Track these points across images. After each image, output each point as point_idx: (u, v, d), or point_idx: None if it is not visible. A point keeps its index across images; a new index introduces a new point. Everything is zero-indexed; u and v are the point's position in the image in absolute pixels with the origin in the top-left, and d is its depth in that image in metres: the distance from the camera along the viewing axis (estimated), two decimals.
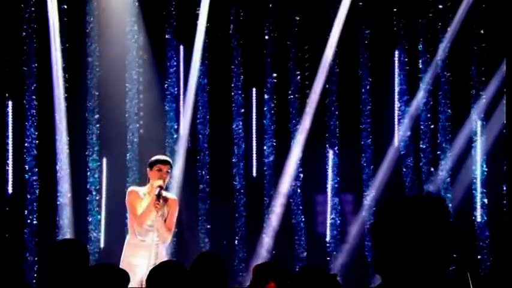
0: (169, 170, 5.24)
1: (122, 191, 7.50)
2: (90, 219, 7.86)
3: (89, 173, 7.90)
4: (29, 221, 7.73)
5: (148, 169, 5.32)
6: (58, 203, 7.77)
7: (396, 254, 1.71)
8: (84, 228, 7.81)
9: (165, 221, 5.22)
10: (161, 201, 5.09)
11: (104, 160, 8.01)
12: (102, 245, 7.87)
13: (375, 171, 8.21)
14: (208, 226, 8.03)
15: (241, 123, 8.16)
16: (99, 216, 7.88)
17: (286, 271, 3.86)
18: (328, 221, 8.22)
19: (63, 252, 2.90)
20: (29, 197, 7.76)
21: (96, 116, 7.94)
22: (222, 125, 8.14)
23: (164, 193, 5.32)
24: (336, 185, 8.23)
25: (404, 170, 8.17)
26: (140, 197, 5.25)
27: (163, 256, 5.23)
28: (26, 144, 7.79)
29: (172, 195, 5.48)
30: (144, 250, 5.14)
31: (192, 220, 7.97)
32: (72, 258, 2.88)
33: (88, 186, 7.89)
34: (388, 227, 1.76)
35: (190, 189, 7.96)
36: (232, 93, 8.15)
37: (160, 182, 5.17)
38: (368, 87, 8.25)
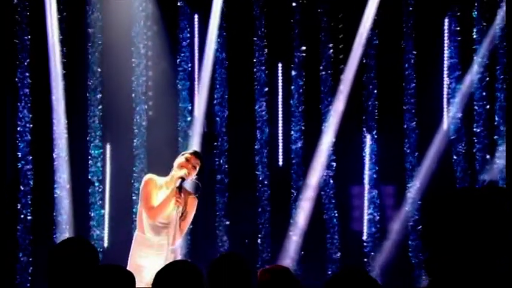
0: (198, 166, 5.09)
1: (128, 182, 7.82)
2: (92, 215, 7.86)
3: (90, 162, 7.88)
4: (22, 216, 7.73)
5: (179, 158, 5.19)
6: (55, 195, 7.76)
7: (455, 255, 1.68)
8: (85, 225, 7.82)
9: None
10: (182, 195, 4.97)
11: (108, 146, 7.99)
12: (106, 244, 7.88)
13: (420, 159, 8.11)
14: (227, 222, 8.04)
15: (264, 104, 8.12)
16: (102, 211, 7.88)
17: (299, 282, 3.66)
18: (366, 217, 8.15)
19: (70, 253, 2.90)
20: (22, 188, 7.75)
21: (99, 96, 7.91)
22: (243, 106, 8.13)
23: (185, 190, 5.19)
24: (375, 175, 8.16)
25: (455, 157, 8.05)
26: (157, 188, 5.11)
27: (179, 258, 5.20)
28: (18, 129, 7.77)
29: (193, 194, 5.26)
30: (156, 250, 5.03)
31: (209, 215, 7.99)
32: (83, 261, 2.88)
33: (90, 177, 7.88)
34: (445, 224, 1.70)
35: (206, 180, 7.81)
36: (255, 70, 8.13)
37: (183, 173, 5.02)
38: (412, 62, 8.14)
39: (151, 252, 5.05)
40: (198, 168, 5.10)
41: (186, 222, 5.12)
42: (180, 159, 5.11)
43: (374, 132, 8.13)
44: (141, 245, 5.09)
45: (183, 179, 4.99)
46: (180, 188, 4.97)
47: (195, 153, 5.16)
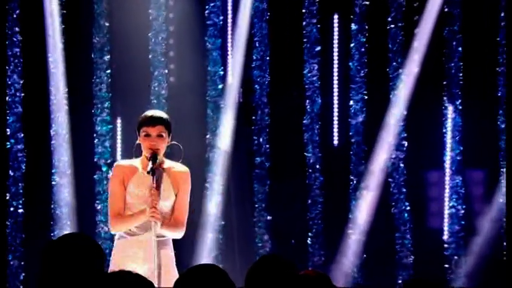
0: (164, 134, 4.94)
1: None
2: (99, 207, 7.76)
3: (96, 141, 7.82)
4: (12, 209, 7.67)
5: (138, 135, 5.04)
6: (53, 183, 7.73)
7: None
8: (91, 220, 7.77)
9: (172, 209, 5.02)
10: (155, 183, 4.83)
11: (118, 121, 7.94)
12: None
13: None
14: (269, 217, 7.94)
15: (316, 66, 7.98)
16: None
17: None
18: (446, 211, 7.98)
19: (68, 254, 2.91)
20: (12, 174, 7.68)
21: (107, 58, 7.83)
22: (289, 70, 8.03)
23: (168, 163, 5.02)
24: (458, 158, 7.98)
25: None
26: (130, 175, 4.99)
27: (169, 260, 4.98)
28: (7, 99, 7.69)
29: (181, 166, 5.11)
30: (139, 249, 4.96)
31: (246, 209, 7.96)
32: (81, 261, 2.91)
33: (96, 160, 7.82)
34: None
35: (242, 164, 7.89)
36: (304, 23, 7.98)
37: (148, 154, 4.88)
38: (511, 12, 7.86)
39: (138, 254, 4.93)
40: (165, 134, 4.92)
41: (180, 208, 4.99)
42: (142, 141, 4.96)
43: (458, 102, 7.99)
44: (123, 244, 4.96)
45: (153, 157, 4.83)
46: (153, 172, 4.80)
47: (146, 122, 4.94)
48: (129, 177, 4.97)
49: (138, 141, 4.97)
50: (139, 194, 4.87)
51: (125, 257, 4.92)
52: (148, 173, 4.78)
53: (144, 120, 4.93)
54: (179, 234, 4.96)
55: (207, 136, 7.79)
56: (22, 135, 7.63)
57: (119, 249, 4.97)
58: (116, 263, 4.92)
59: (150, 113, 5.00)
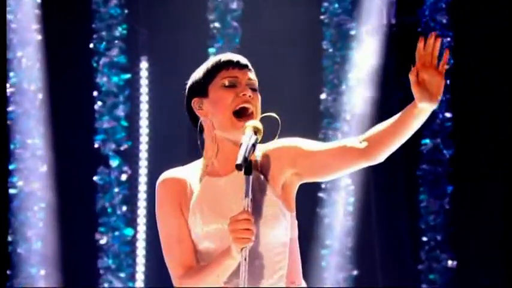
0: (253, 79, 4.21)
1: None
2: (103, 241, 7.79)
3: (99, 105, 7.58)
4: None
5: (195, 102, 4.12)
6: (12, 192, 7.46)
7: None
8: (86, 268, 7.58)
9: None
10: (250, 193, 3.87)
11: (144, 66, 7.66)
12: None
13: None
14: (452, 262, 7.91)
15: None
16: (130, 231, 7.69)
17: None
18: None
19: None
20: None
21: None
22: None
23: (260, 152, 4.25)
24: None
25: None
26: (189, 194, 4.19)
27: None
28: None
29: (271, 144, 4.27)
30: None
31: (403, 242, 7.79)
32: None
33: (97, 145, 7.72)
34: None
35: (394, 155, 8.44)
36: None
37: (251, 126, 3.94)
38: None
39: None
40: (255, 82, 4.23)
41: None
42: (216, 94, 4.10)
43: None
44: None
45: (255, 126, 4.05)
46: (249, 169, 3.92)
47: (227, 62, 4.18)
48: (189, 200, 4.28)
49: (200, 113, 4.14)
50: (211, 230, 4.13)
51: None
52: (239, 167, 3.81)
53: (221, 61, 4.25)
54: None
55: (322, 96, 7.17)
56: None
57: None
58: None
59: (229, 55, 4.37)
